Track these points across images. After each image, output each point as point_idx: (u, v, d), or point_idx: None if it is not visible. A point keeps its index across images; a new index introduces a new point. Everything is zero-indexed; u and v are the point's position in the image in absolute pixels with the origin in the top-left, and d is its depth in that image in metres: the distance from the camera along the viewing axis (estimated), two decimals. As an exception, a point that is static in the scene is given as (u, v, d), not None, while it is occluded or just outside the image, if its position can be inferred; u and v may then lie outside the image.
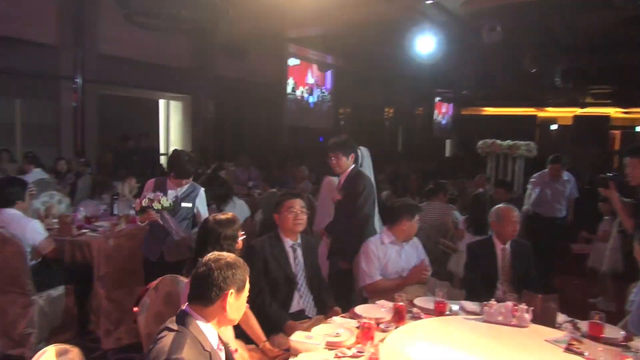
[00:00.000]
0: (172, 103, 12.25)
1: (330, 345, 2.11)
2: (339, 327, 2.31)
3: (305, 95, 15.81)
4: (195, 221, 3.58)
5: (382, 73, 15.33)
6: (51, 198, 5.22)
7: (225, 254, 1.74)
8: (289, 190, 4.51)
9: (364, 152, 4.00)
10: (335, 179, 3.96)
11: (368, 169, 3.97)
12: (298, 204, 2.96)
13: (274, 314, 2.75)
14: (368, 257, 3.16)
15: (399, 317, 2.41)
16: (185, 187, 3.52)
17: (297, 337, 2.10)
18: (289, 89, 14.84)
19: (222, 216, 2.41)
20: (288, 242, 2.97)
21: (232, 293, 1.67)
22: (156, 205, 3.24)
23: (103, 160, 9.20)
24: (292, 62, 14.89)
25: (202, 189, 3.63)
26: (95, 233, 4.00)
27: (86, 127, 9.60)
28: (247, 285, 1.76)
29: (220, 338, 1.77)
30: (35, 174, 6.46)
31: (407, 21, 9.29)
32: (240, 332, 2.59)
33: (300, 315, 2.88)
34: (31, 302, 3.45)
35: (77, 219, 4.35)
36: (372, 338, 2.11)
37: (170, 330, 1.62)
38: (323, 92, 16.66)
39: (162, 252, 3.42)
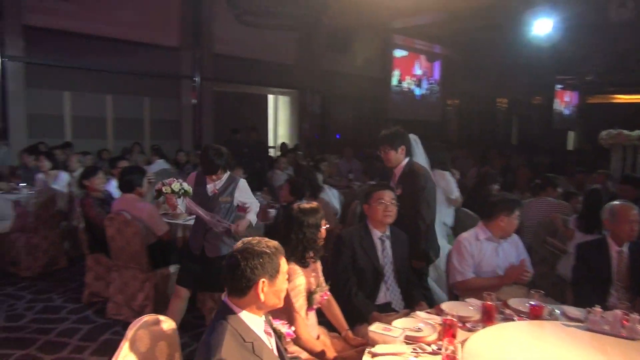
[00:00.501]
0: (280, 98, 12.78)
1: (410, 340, 2.06)
2: (422, 322, 2.24)
3: (412, 87, 15.47)
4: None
5: (494, 61, 14.44)
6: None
7: (255, 241, 1.70)
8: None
9: (412, 140, 3.66)
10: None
11: (421, 158, 3.72)
12: (388, 196, 2.92)
13: (359, 304, 2.75)
14: (460, 253, 3.02)
15: (487, 317, 2.28)
16: (222, 181, 3.39)
17: (376, 328, 2.09)
18: (394, 81, 14.64)
19: (306, 205, 2.46)
20: (377, 233, 2.95)
21: (264, 282, 1.64)
22: (165, 189, 3.19)
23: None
24: (398, 53, 14.65)
25: (242, 181, 3.48)
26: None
27: (203, 122, 10.43)
28: (284, 269, 1.72)
29: (269, 323, 1.80)
30: (159, 165, 7.19)
31: (521, 2, 8.62)
32: (325, 320, 2.64)
33: (387, 308, 2.85)
34: (148, 277, 3.86)
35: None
36: (453, 336, 2.03)
37: (212, 325, 1.65)
38: (431, 84, 16.16)
39: (203, 246, 3.39)
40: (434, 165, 4.76)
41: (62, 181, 5.70)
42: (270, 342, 1.77)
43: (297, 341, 2.24)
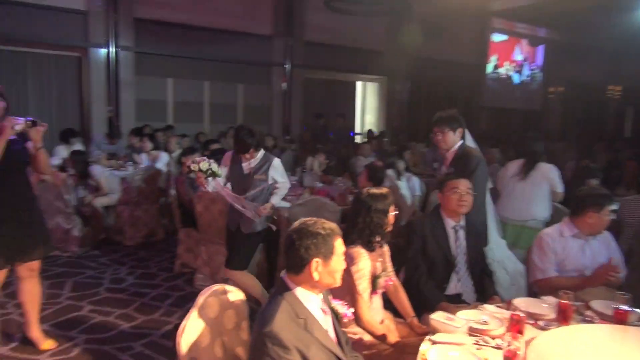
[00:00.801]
0: (369, 85, 12.72)
1: (473, 332, 2.01)
2: (489, 315, 2.17)
3: (511, 73, 14.57)
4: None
5: (606, 44, 13.11)
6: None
7: (311, 222, 1.75)
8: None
9: None
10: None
11: (470, 143, 3.53)
12: (463, 185, 2.84)
13: (428, 293, 2.72)
14: (542, 249, 2.84)
15: (563, 317, 2.14)
16: (257, 160, 3.52)
17: (438, 317, 2.07)
18: (490, 67, 13.89)
19: (375, 190, 2.47)
20: (450, 222, 2.88)
21: (317, 261, 1.69)
22: (194, 167, 3.24)
23: (304, 138, 10.15)
24: (497, 37, 13.85)
25: (277, 160, 3.59)
26: (283, 202, 4.51)
27: (292, 108, 10.72)
28: (339, 251, 1.75)
29: (327, 302, 1.85)
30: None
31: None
32: (392, 306, 2.65)
33: (457, 299, 2.78)
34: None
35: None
36: (520, 332, 1.94)
37: (270, 298, 1.75)
38: (533, 70, 15.10)
39: (239, 223, 3.53)
40: (521, 156, 4.53)
41: (162, 161, 6.23)
42: (326, 321, 1.82)
43: (358, 322, 2.28)
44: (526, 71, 14.93)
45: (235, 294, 2.03)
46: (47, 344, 3.21)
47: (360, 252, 2.35)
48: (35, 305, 3.17)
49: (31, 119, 2.93)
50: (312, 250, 1.69)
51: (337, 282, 1.79)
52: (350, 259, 2.30)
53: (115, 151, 7.18)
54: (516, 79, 14.73)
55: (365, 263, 2.33)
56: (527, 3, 11.08)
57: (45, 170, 3.08)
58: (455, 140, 3.39)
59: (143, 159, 6.27)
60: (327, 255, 1.72)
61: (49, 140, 7.88)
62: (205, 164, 3.27)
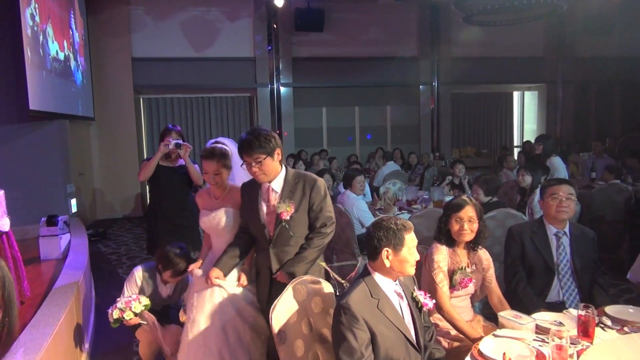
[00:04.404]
0: (527, 93, 12.00)
1: (540, 330, 2.06)
2: (570, 318, 2.16)
3: None
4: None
5: None
6: (393, 185, 6.42)
7: (387, 218, 2.06)
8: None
9: None
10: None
11: None
12: (564, 190, 2.79)
13: (526, 299, 2.73)
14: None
15: None
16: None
17: (506, 314, 2.16)
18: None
19: (457, 200, 2.64)
20: (552, 229, 2.83)
21: (387, 251, 1.98)
22: (127, 315, 2.83)
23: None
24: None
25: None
26: (404, 212, 4.78)
27: (441, 125, 10.77)
28: (410, 244, 2.00)
29: (410, 292, 2.12)
30: (389, 167, 7.94)
31: None
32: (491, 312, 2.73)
33: (559, 307, 2.71)
34: (358, 261, 4.53)
35: (401, 202, 5.27)
36: (587, 335, 1.93)
37: (353, 281, 2.09)
38: None
39: None
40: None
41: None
42: (400, 304, 2.10)
43: (439, 311, 2.48)
44: None
45: (324, 286, 2.44)
46: None
47: (438, 247, 2.58)
48: None
49: (179, 141, 3.83)
50: (382, 241, 2.01)
51: (408, 271, 2.06)
52: (429, 253, 2.60)
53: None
54: None
55: (439, 257, 2.54)
56: None
57: (198, 181, 3.95)
58: None
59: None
60: (397, 246, 2.01)
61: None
62: (136, 305, 2.83)
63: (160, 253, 3.08)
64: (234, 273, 2.71)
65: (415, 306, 2.16)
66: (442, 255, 2.56)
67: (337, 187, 5.91)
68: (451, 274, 2.55)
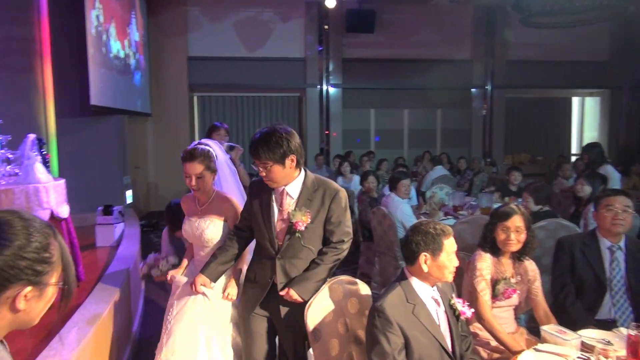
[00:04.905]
0: (587, 99, 11.43)
1: (585, 348, 1.96)
2: (620, 337, 2.05)
3: None
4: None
5: None
6: (440, 189, 6.29)
7: (426, 222, 2.02)
8: None
9: None
10: None
11: None
12: (620, 202, 2.64)
13: (574, 314, 2.60)
14: None
15: None
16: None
17: (549, 329, 2.07)
18: None
19: (504, 209, 2.55)
20: (606, 242, 2.69)
21: (426, 256, 1.95)
22: (155, 272, 2.97)
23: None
24: None
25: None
26: (450, 218, 4.68)
27: (494, 130, 10.45)
28: (449, 249, 1.95)
29: (445, 296, 2.07)
30: (438, 171, 7.78)
31: None
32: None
33: (610, 326, 2.56)
34: (399, 265, 4.48)
35: (447, 207, 5.16)
36: (634, 354, 1.82)
37: (389, 284, 2.07)
38: None
39: None
40: None
41: (355, 182, 6.99)
42: (437, 311, 2.06)
43: (479, 319, 2.41)
44: None
45: (363, 287, 2.44)
46: None
47: (482, 255, 2.50)
48: None
49: (231, 144, 3.94)
50: (420, 245, 1.98)
51: (446, 277, 2.02)
52: (472, 260, 2.53)
53: (324, 175, 8.30)
54: None
55: (482, 265, 2.46)
56: None
57: (245, 182, 4.05)
58: None
59: (339, 181, 7.14)
60: (436, 251, 1.98)
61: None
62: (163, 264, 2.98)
63: (166, 212, 3.13)
64: (221, 281, 2.46)
65: (453, 314, 2.11)
66: (485, 263, 2.49)
67: (382, 189, 5.87)
68: (494, 283, 2.47)
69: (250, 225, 2.37)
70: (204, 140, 2.62)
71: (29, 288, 0.89)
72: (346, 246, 2.29)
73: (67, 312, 0.86)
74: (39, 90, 5.55)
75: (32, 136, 3.10)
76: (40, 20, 5.55)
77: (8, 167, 3.14)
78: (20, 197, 2.89)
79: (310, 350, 2.26)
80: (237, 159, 3.94)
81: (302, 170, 2.28)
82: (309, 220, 2.19)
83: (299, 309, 2.21)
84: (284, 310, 2.29)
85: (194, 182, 2.46)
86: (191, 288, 2.38)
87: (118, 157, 6.81)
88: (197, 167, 2.44)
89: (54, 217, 3.16)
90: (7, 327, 0.91)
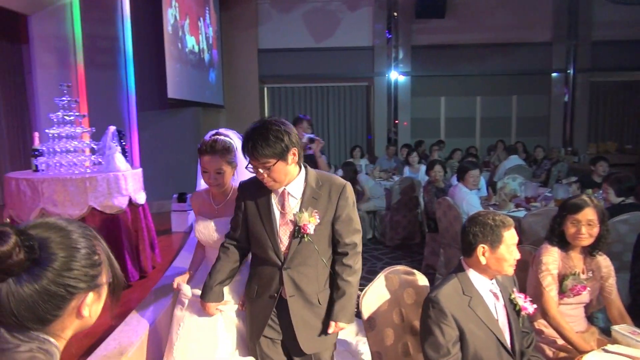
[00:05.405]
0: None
1: (661, 351, 1.81)
2: None
3: None
4: None
5: None
6: (513, 180, 6.01)
7: (484, 212, 1.94)
8: None
9: None
10: None
11: None
12: None
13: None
14: None
15: None
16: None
17: (621, 329, 1.94)
18: None
19: (576, 200, 2.41)
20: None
21: (484, 247, 1.88)
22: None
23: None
24: None
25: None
26: (521, 210, 4.46)
27: (576, 116, 9.77)
28: (509, 242, 1.86)
29: (504, 290, 1.99)
30: (512, 161, 7.42)
31: None
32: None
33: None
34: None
35: (519, 198, 4.92)
36: None
37: (446, 275, 2.02)
38: None
39: None
40: None
41: (422, 173, 6.86)
42: (495, 304, 1.99)
43: (544, 316, 2.31)
44: None
45: (420, 278, 2.41)
46: None
47: (548, 248, 2.37)
48: None
49: (312, 136, 4.02)
50: (478, 237, 1.93)
51: (506, 270, 1.95)
52: (538, 253, 2.42)
53: (392, 166, 8.23)
54: None
55: (548, 259, 2.34)
56: None
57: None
58: None
59: (406, 171, 7.03)
60: (494, 243, 1.91)
61: (341, 156, 9.62)
62: None
63: None
64: (229, 294, 2.20)
65: (513, 309, 2.03)
66: (552, 257, 2.36)
67: (450, 178, 5.71)
68: (562, 278, 2.34)
69: (246, 235, 2.05)
70: (222, 131, 2.31)
71: (90, 295, 0.91)
72: (360, 248, 2.04)
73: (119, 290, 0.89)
74: (122, 85, 5.98)
75: (112, 128, 3.36)
76: (123, 19, 5.97)
77: (93, 157, 3.43)
78: (102, 184, 3.15)
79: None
80: (317, 151, 4.01)
81: (302, 166, 1.99)
82: (318, 220, 1.92)
83: (317, 328, 2.00)
84: (301, 331, 1.98)
85: (212, 178, 2.18)
86: (205, 310, 2.12)
87: (193, 147, 7.17)
88: (217, 162, 2.16)
89: (132, 203, 3.41)
90: (73, 331, 0.94)
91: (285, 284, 1.97)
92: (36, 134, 3.57)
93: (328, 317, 1.99)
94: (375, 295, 2.26)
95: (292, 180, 1.94)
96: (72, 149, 3.35)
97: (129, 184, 3.36)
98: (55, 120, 3.33)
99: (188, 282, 2.30)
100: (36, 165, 3.30)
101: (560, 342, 2.33)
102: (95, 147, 3.49)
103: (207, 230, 2.24)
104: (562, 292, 2.33)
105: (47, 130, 3.35)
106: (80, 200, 3.08)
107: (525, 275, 2.53)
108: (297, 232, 1.92)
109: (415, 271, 2.42)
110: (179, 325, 2.20)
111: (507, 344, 1.96)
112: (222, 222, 2.19)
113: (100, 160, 3.42)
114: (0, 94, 7.64)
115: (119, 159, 3.36)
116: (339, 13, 9.68)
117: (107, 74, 5.76)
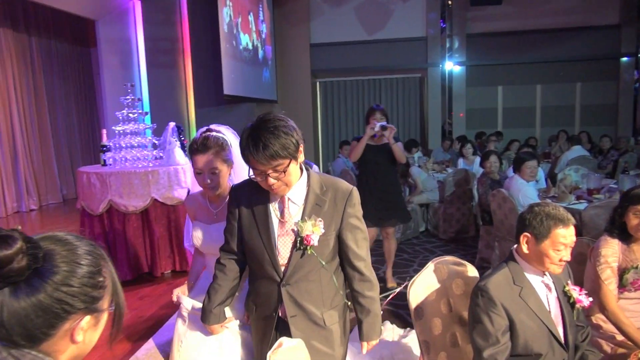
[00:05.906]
0: None
1: None
2: None
3: None
4: None
5: None
6: (575, 171, 5.75)
7: (545, 204, 1.88)
8: None
9: None
10: None
11: None
12: None
13: None
14: None
15: None
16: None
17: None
18: None
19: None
20: None
21: (527, 236, 1.83)
22: None
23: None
24: None
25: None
26: (582, 202, 4.26)
27: (647, 104, 9.14)
28: (557, 237, 1.79)
29: (558, 283, 1.93)
30: (576, 151, 7.08)
31: None
32: None
33: None
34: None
35: (581, 190, 4.71)
36: None
37: (497, 264, 1.99)
38: None
39: None
40: None
41: (476, 165, 6.68)
42: (548, 296, 1.95)
43: (602, 310, 2.23)
44: None
45: (469, 269, 2.39)
46: (393, 285, 4.34)
47: (608, 240, 2.29)
48: (391, 256, 4.45)
49: (384, 124, 4.07)
50: (526, 226, 1.89)
51: (548, 267, 1.87)
52: (596, 245, 2.34)
53: (446, 158, 8.09)
54: None
55: (607, 251, 2.25)
56: None
57: (401, 159, 4.22)
58: None
59: (460, 163, 6.88)
60: (539, 236, 1.85)
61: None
62: None
63: None
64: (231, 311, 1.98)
65: (567, 301, 1.97)
66: (611, 249, 2.27)
67: (506, 170, 5.55)
68: (622, 272, 2.25)
69: (242, 247, 1.81)
70: (214, 126, 2.10)
71: (87, 318, 0.84)
72: (369, 258, 1.80)
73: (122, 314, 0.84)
74: (182, 83, 6.27)
75: (172, 124, 3.56)
76: (182, 20, 6.25)
77: (154, 152, 3.64)
78: (163, 177, 3.35)
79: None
80: (391, 137, 4.06)
81: (304, 167, 1.73)
82: (322, 230, 1.65)
83: (325, 354, 1.77)
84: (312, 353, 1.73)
85: (208, 180, 1.96)
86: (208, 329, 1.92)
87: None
88: (211, 160, 1.95)
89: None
90: (68, 359, 0.86)
91: (285, 303, 1.72)
92: (104, 131, 3.85)
93: (339, 344, 1.80)
94: (424, 285, 2.27)
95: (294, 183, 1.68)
96: (136, 144, 3.58)
97: (187, 177, 3.54)
98: (120, 117, 3.57)
99: (189, 293, 2.17)
100: (104, 160, 3.56)
101: (620, 337, 2.24)
102: (156, 142, 3.70)
103: (206, 238, 2.05)
104: (622, 286, 2.24)
105: (113, 127, 3.60)
106: (144, 192, 3.30)
107: (582, 268, 2.45)
108: (300, 243, 1.66)
109: (464, 262, 2.40)
110: (180, 342, 2.04)
111: (560, 336, 1.91)
112: (222, 227, 1.89)
113: (161, 154, 3.63)
114: (73, 95, 8.24)
115: (179, 153, 3.55)
116: (391, 4, 9.58)
117: (167, 73, 6.06)
